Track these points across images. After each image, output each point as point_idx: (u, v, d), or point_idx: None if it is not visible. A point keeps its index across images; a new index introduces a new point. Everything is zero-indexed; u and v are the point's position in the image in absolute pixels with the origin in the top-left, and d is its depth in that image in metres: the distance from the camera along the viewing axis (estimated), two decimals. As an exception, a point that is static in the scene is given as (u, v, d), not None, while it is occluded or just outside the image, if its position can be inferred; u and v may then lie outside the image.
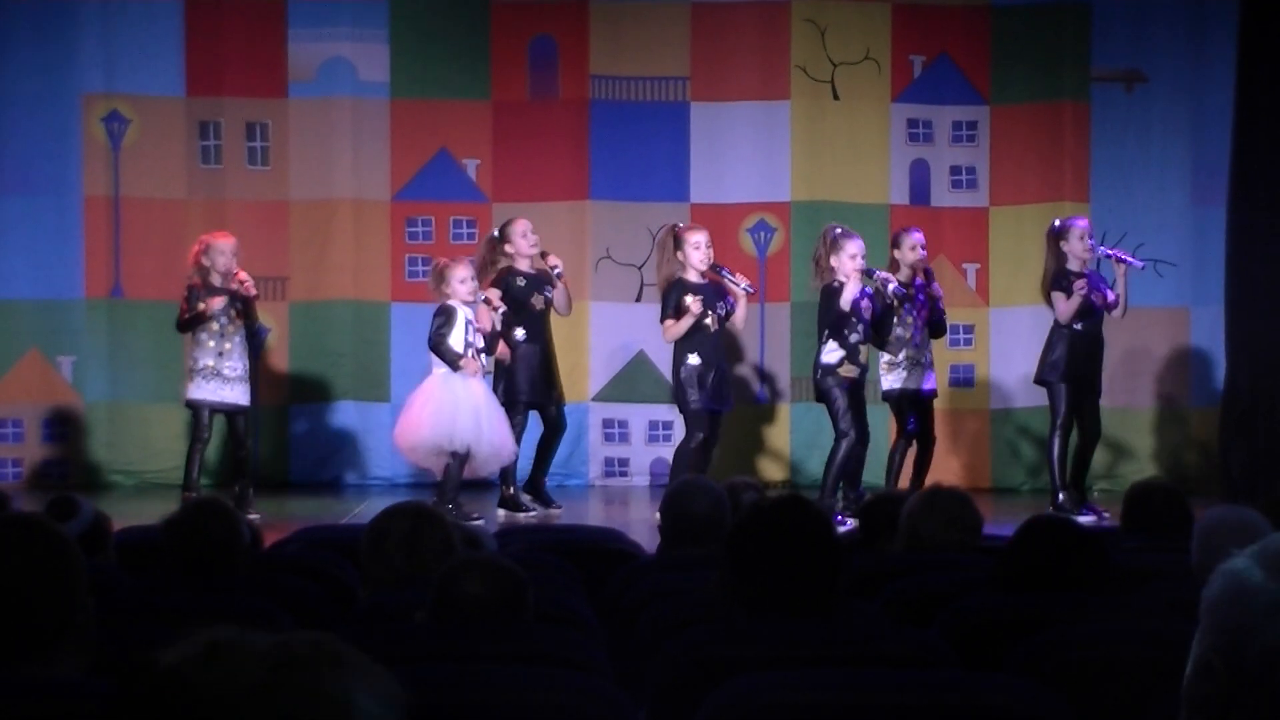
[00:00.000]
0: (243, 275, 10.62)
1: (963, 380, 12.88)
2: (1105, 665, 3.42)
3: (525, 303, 10.73)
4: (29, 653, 2.51)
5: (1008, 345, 12.81)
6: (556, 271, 10.76)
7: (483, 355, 10.29)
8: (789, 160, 12.81)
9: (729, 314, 10.48)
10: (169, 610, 4.20)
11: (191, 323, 10.59)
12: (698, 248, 10.41)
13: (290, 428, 12.68)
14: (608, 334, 12.56)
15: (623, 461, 12.70)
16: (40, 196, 12.42)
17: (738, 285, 10.43)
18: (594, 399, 12.66)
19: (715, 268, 10.52)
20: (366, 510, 9.90)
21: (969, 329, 12.85)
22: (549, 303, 10.78)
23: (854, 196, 12.73)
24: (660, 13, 12.83)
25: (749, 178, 12.80)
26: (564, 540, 6.37)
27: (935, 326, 11.02)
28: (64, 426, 12.56)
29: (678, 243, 10.45)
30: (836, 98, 12.87)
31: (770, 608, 3.47)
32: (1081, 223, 10.92)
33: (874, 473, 11.20)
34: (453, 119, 12.76)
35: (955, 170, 12.92)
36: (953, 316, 12.75)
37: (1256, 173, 10.89)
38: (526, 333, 10.72)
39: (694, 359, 10.36)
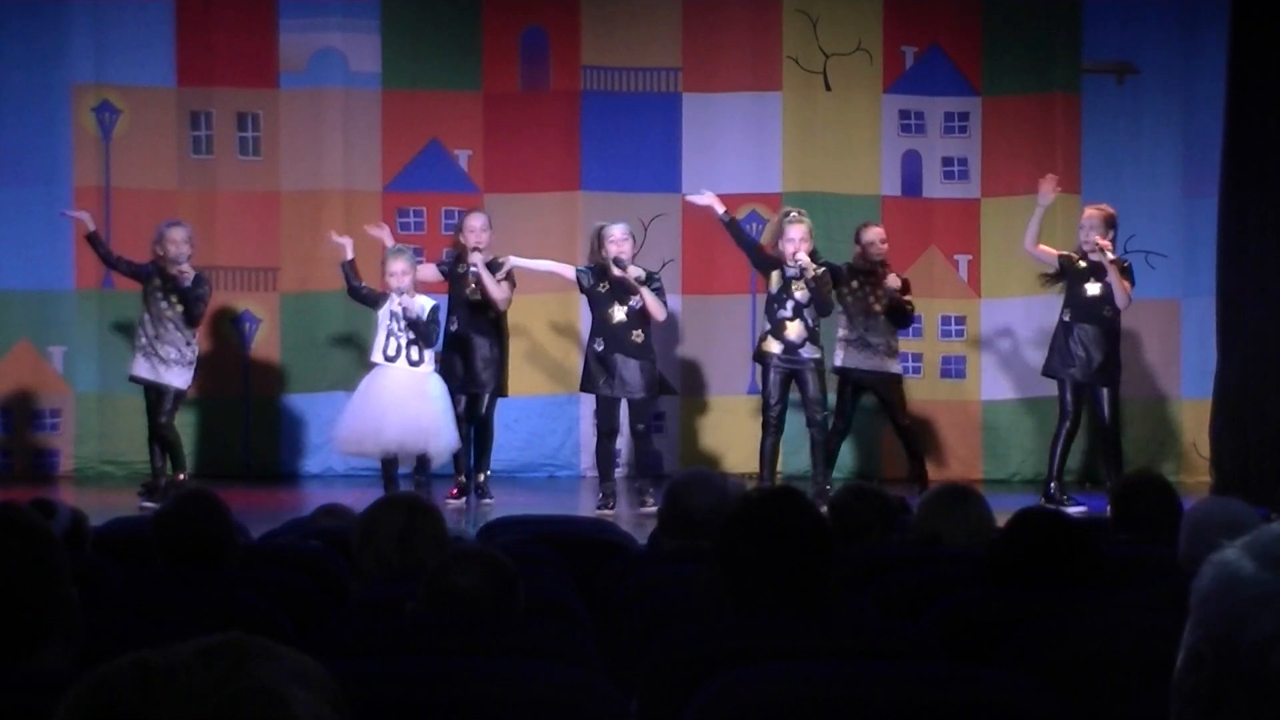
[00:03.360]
0: (184, 265, 10.71)
1: (954, 372, 12.89)
2: (1095, 658, 3.42)
3: (457, 289, 10.93)
4: (15, 647, 2.51)
5: (999, 337, 12.83)
6: (473, 270, 10.79)
7: (415, 349, 10.36)
8: (780, 151, 12.82)
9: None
10: (159, 603, 4.19)
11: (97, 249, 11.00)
12: (613, 241, 10.63)
13: (281, 418, 12.67)
14: (599, 326, 12.54)
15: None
16: (31, 187, 12.40)
17: (628, 277, 10.57)
18: (584, 392, 12.63)
19: (616, 261, 10.57)
20: (358, 502, 9.87)
21: (960, 320, 12.86)
22: (482, 291, 10.85)
23: (845, 188, 12.73)
24: (651, 4, 12.82)
25: (741, 169, 12.79)
26: (554, 532, 6.37)
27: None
28: (54, 417, 12.54)
29: (601, 238, 10.70)
30: (828, 89, 12.87)
31: (761, 601, 3.47)
32: (1088, 212, 10.92)
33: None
34: (444, 110, 12.75)
35: (947, 161, 12.92)
36: (944, 308, 12.78)
37: (1247, 164, 10.89)
38: (456, 323, 10.86)
39: (596, 344, 10.67)
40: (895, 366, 11.30)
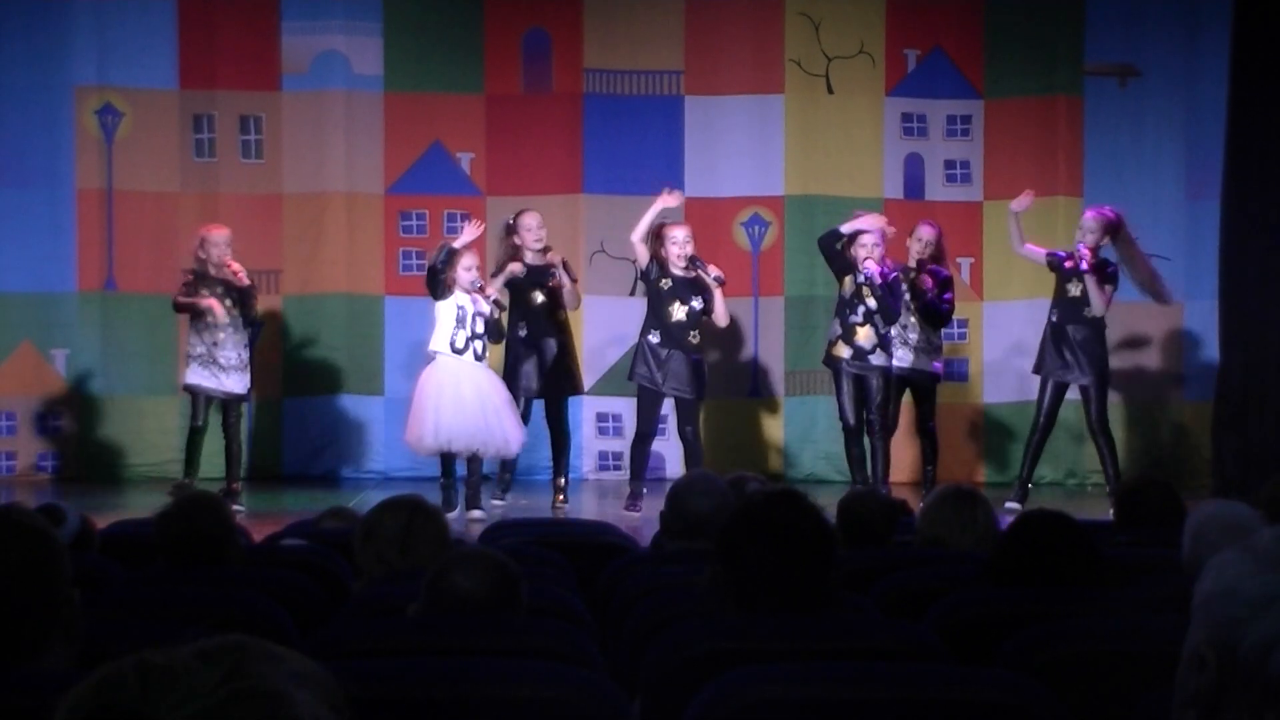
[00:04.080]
0: (235, 266, 10.68)
1: (956, 374, 12.89)
2: (1097, 659, 3.42)
3: (524, 295, 10.77)
4: (16, 648, 2.51)
5: (1001, 339, 12.82)
6: (551, 270, 10.75)
7: (480, 344, 10.30)
8: (783, 154, 12.82)
9: (705, 310, 10.53)
10: (161, 603, 4.19)
11: (187, 308, 10.64)
12: (675, 243, 10.49)
13: (284, 421, 12.68)
14: (602, 328, 12.55)
15: (616, 455, 12.69)
16: (33, 189, 12.41)
17: (708, 276, 10.48)
18: (588, 393, 12.65)
19: (693, 261, 10.55)
20: (360, 504, 9.90)
21: (962, 323, 12.86)
22: (552, 295, 10.78)
23: (848, 190, 12.73)
24: (654, 6, 12.83)
25: (743, 171, 12.80)
26: (557, 534, 6.37)
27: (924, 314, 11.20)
28: (57, 420, 12.55)
29: (659, 239, 10.54)
30: (830, 91, 12.88)
31: (763, 602, 3.47)
32: (1088, 215, 10.93)
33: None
34: (446, 112, 12.76)
35: (949, 164, 12.93)
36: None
37: (1250, 166, 10.89)
38: (526, 327, 10.75)
39: (651, 337, 10.54)
40: (933, 365, 11.28)
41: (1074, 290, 10.80)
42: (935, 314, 11.17)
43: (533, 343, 10.79)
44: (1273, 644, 1.58)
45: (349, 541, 4.91)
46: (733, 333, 12.74)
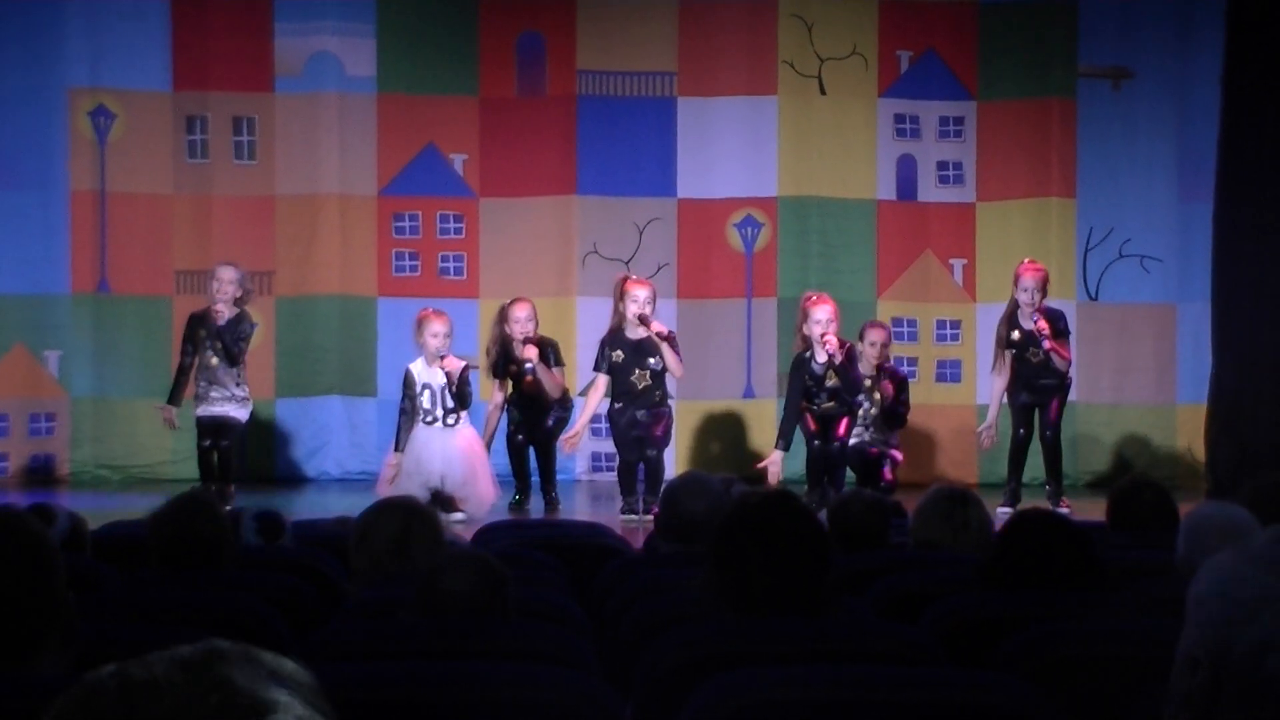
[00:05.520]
0: (220, 307, 10.63)
1: (949, 376, 12.90)
2: (1092, 662, 3.42)
3: (517, 383, 10.85)
4: (12, 651, 2.50)
5: (994, 341, 12.81)
6: (528, 366, 10.70)
7: (451, 416, 10.32)
8: (776, 155, 12.83)
9: (664, 367, 10.50)
10: (156, 606, 4.19)
11: (177, 388, 10.87)
12: (635, 301, 10.43)
13: (276, 423, 12.67)
14: (594, 329, 12.53)
15: (610, 457, 12.66)
16: (26, 191, 12.40)
17: (651, 333, 10.40)
18: (580, 394, 12.64)
19: (641, 319, 10.45)
20: (354, 506, 9.87)
21: (955, 325, 12.87)
22: (538, 386, 10.79)
23: (841, 192, 12.74)
24: (648, 8, 12.83)
25: (736, 173, 12.80)
26: (550, 536, 6.37)
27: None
28: (50, 422, 12.54)
29: (622, 293, 10.52)
30: (824, 93, 12.88)
31: (757, 605, 3.47)
32: (1026, 276, 10.93)
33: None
34: (440, 114, 12.75)
35: (942, 166, 12.93)
36: (939, 312, 12.78)
37: (1243, 169, 10.89)
38: (520, 413, 10.87)
39: (616, 405, 10.58)
40: (890, 450, 11.28)
41: (1034, 359, 10.88)
42: (895, 418, 11.19)
43: (527, 428, 10.92)
44: (1266, 646, 1.59)
45: (343, 544, 4.90)
46: (726, 334, 12.74)
